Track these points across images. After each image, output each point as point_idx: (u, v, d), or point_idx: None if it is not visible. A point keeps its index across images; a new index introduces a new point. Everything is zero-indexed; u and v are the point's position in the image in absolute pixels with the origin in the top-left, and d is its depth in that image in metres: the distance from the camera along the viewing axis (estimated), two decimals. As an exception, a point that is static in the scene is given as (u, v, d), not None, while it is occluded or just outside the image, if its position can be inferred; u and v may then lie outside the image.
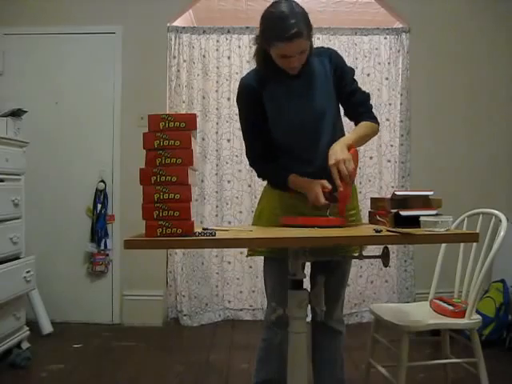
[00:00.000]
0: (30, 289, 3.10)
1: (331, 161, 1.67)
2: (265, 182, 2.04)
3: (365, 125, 1.86)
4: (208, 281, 3.86)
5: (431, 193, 1.73)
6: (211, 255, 3.86)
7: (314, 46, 1.87)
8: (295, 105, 1.83)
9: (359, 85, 1.93)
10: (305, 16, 1.71)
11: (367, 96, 1.93)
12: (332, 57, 1.89)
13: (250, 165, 1.99)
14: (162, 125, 1.46)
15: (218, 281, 3.88)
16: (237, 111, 1.97)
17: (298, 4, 1.72)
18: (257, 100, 1.85)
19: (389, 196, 1.73)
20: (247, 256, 2.03)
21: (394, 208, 1.68)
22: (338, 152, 1.67)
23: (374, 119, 1.89)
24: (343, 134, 1.93)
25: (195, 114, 1.53)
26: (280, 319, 1.77)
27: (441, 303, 2.16)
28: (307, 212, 1.81)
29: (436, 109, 3.87)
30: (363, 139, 1.85)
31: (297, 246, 1.57)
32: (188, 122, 1.47)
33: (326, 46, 3.74)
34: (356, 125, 1.89)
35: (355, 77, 1.94)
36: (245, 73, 4.09)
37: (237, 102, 1.92)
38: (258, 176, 2.00)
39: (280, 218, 1.80)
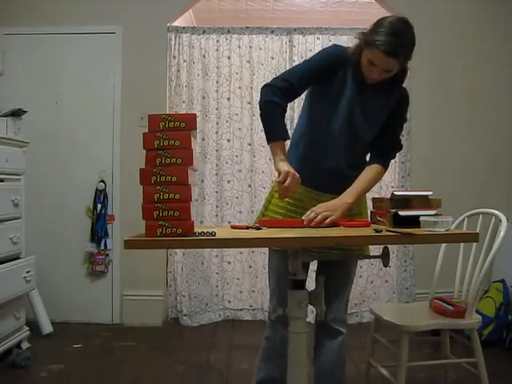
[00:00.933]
0: (29, 289, 3.10)
1: (319, 208, 1.72)
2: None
3: (374, 175, 1.89)
4: (208, 281, 3.86)
5: (430, 193, 1.74)
6: (211, 255, 3.86)
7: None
8: (350, 112, 1.85)
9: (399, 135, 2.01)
10: (411, 45, 1.75)
11: (400, 147, 2.00)
12: (403, 95, 1.93)
13: (268, 85, 1.86)
14: (162, 125, 1.46)
15: (217, 281, 3.88)
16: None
17: (413, 32, 1.77)
18: (331, 71, 1.85)
19: (388, 196, 1.74)
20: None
21: (394, 208, 1.68)
22: (329, 207, 1.73)
23: (385, 165, 1.94)
24: (364, 155, 1.97)
25: (195, 114, 1.53)
26: (280, 318, 1.77)
27: (441, 303, 2.17)
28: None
29: (436, 109, 3.87)
30: (366, 192, 1.91)
31: (297, 245, 1.57)
32: (188, 122, 1.47)
33: (326, 46, 3.81)
34: (369, 161, 1.94)
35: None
36: (245, 73, 4.09)
37: (319, 53, 1.92)
38: (263, 102, 1.86)
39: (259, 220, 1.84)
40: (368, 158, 1.97)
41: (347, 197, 1.81)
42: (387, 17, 1.80)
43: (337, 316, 1.95)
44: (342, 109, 1.85)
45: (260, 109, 1.87)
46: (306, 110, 1.96)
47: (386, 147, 1.94)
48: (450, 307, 2.10)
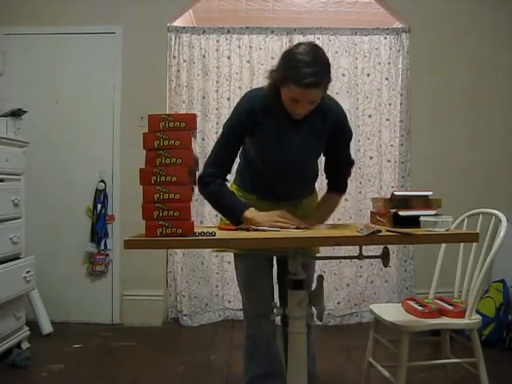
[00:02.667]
0: (29, 289, 3.10)
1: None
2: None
3: (333, 203, 2.04)
4: (208, 281, 3.85)
5: (430, 193, 1.74)
6: (211, 255, 3.85)
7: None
8: (281, 148, 1.85)
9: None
10: (327, 67, 1.68)
11: (351, 165, 2.04)
12: (334, 113, 1.89)
13: (203, 176, 1.86)
14: (162, 125, 1.46)
15: (217, 281, 3.87)
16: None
17: (323, 53, 1.70)
18: (251, 126, 1.82)
19: (388, 196, 1.74)
20: (214, 252, 2.10)
21: (394, 208, 1.68)
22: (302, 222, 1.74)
23: (343, 191, 2.04)
24: (314, 178, 2.09)
25: (195, 114, 1.53)
26: (261, 315, 1.89)
27: (441, 303, 2.16)
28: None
29: (436, 109, 3.87)
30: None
31: (296, 245, 1.58)
32: (188, 122, 1.47)
33: (326, 45, 3.82)
34: (328, 185, 2.04)
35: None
36: (245, 73, 4.09)
37: (234, 111, 1.88)
38: (206, 192, 1.89)
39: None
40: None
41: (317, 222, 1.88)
42: (292, 48, 1.71)
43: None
44: (275, 149, 1.85)
45: (208, 200, 1.93)
46: (247, 143, 1.93)
47: (339, 176, 2.02)
48: (450, 307, 2.10)
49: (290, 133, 1.83)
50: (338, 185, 2.03)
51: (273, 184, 1.93)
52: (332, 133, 1.88)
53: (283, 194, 1.94)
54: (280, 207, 1.83)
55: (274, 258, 2.08)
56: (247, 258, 1.96)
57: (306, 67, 1.61)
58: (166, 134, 1.46)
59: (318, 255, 2.10)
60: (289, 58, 1.68)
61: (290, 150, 1.85)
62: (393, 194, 1.73)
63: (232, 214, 1.82)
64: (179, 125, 1.46)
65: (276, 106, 1.78)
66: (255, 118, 1.80)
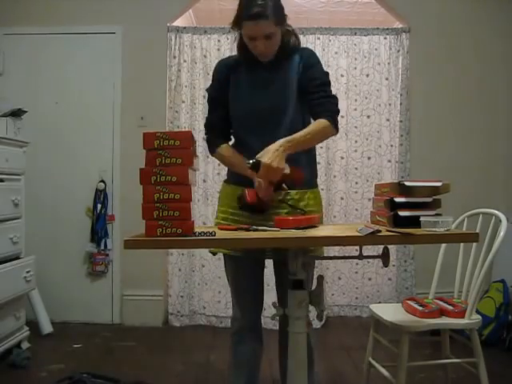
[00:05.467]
0: (29, 289, 3.10)
1: (262, 169, 1.62)
2: None
3: (319, 125, 1.78)
4: (209, 285, 3.82)
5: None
6: (213, 257, 3.81)
7: (308, 46, 1.88)
8: (254, 95, 1.86)
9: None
10: (276, 2, 1.76)
11: (334, 98, 1.86)
12: (303, 55, 1.89)
13: (206, 141, 1.99)
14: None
15: (220, 286, 3.78)
16: None
17: None
18: (224, 82, 1.90)
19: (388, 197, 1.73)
20: (212, 253, 2.03)
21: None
22: (266, 156, 1.62)
23: (332, 121, 1.79)
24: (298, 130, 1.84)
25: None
26: (246, 328, 1.90)
27: (441, 303, 2.17)
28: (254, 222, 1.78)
29: (436, 109, 3.87)
30: (309, 141, 1.76)
31: (296, 245, 1.57)
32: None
33: (325, 45, 3.82)
34: (312, 116, 1.85)
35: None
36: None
37: (212, 79, 1.97)
38: (210, 145, 1.96)
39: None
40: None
41: (283, 139, 1.68)
42: None
43: None
44: (248, 97, 1.86)
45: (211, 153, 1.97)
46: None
47: (321, 103, 1.81)
48: (450, 307, 2.10)
49: (260, 78, 1.86)
50: (322, 111, 1.80)
51: (254, 146, 1.77)
52: (304, 73, 1.86)
53: None
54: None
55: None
56: (235, 259, 1.88)
57: (253, 1, 1.71)
58: (166, 134, 1.46)
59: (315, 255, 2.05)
60: (239, 2, 1.78)
61: (262, 96, 1.85)
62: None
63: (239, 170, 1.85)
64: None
65: (247, 59, 1.87)
66: (224, 75, 1.90)
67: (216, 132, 1.94)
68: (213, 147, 1.94)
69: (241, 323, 1.96)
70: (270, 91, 1.85)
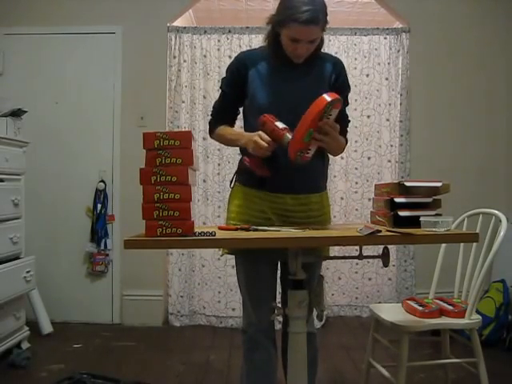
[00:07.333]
0: (29, 289, 3.10)
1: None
2: None
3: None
4: (210, 285, 3.81)
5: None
6: (213, 258, 3.82)
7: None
8: (279, 89, 1.82)
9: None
10: (324, 7, 1.73)
11: (348, 121, 1.97)
12: (337, 65, 1.90)
13: (209, 124, 1.99)
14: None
15: (220, 286, 3.78)
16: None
17: None
18: (238, 78, 1.86)
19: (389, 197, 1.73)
20: (221, 255, 2.01)
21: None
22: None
23: (344, 138, 1.88)
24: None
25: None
26: (262, 330, 1.81)
27: (441, 303, 2.17)
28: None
29: (436, 109, 3.87)
30: (338, 146, 1.81)
31: (296, 245, 1.57)
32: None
33: (325, 45, 3.81)
34: None
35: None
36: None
37: (226, 69, 1.94)
38: (210, 127, 1.98)
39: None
40: None
41: None
42: None
43: (309, 318, 1.85)
44: (269, 87, 1.82)
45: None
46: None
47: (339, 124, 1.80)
48: (450, 307, 2.10)
49: (290, 75, 1.83)
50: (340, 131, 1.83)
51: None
52: (336, 83, 1.87)
53: (285, 171, 1.79)
54: (283, 202, 1.80)
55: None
56: (250, 260, 1.84)
57: (305, 5, 1.67)
58: (166, 134, 1.46)
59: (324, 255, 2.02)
60: (288, 0, 1.73)
61: (289, 91, 1.81)
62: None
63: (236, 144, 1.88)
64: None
65: (277, 57, 1.82)
66: (245, 67, 1.85)
67: (219, 118, 1.94)
68: (212, 129, 1.96)
69: (257, 327, 1.85)
70: (301, 86, 1.82)
